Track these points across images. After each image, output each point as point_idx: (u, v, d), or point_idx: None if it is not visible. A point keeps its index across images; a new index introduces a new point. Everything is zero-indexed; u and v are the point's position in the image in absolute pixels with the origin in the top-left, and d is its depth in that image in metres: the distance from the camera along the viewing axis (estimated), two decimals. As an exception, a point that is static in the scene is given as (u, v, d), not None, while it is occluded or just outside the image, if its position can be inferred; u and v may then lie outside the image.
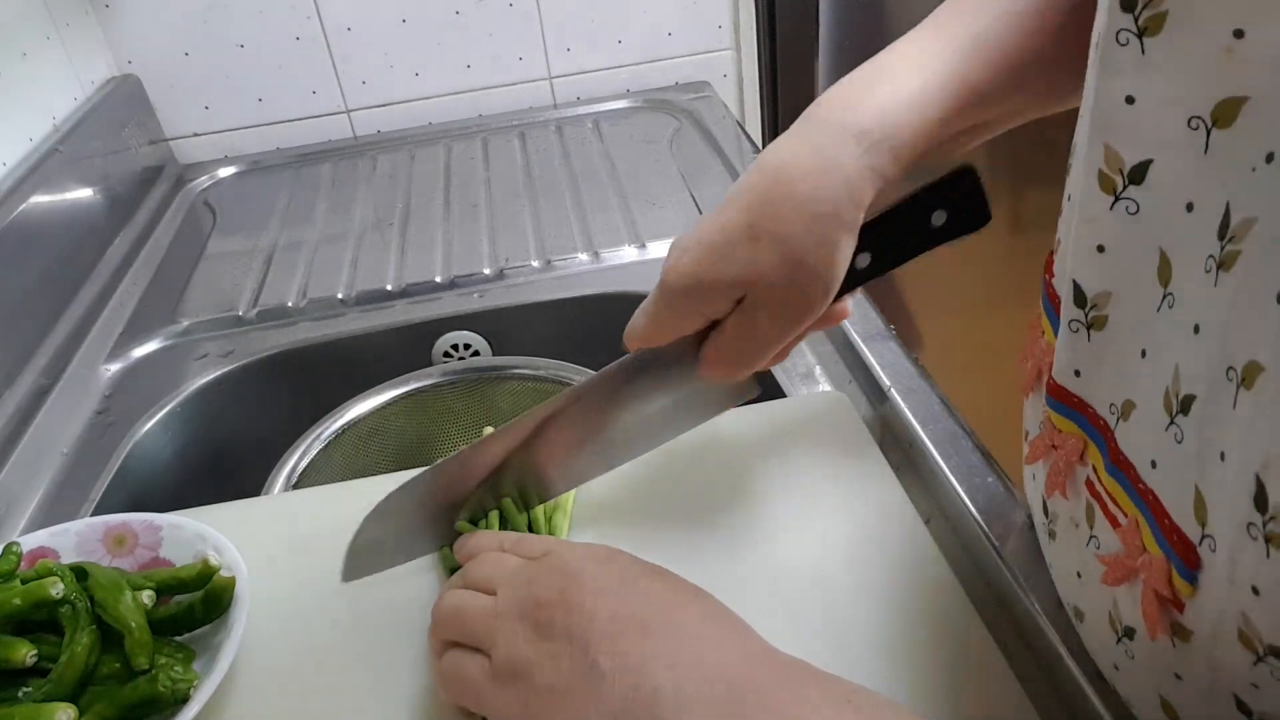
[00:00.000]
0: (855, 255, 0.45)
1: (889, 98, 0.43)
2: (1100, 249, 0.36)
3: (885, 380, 0.66)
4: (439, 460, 0.52)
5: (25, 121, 0.96)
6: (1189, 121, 0.30)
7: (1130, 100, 0.32)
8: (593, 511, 0.56)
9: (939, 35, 0.45)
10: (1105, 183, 0.34)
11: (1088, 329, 0.37)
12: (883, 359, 0.68)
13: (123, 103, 1.13)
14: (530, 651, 0.39)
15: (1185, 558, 0.31)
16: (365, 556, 0.51)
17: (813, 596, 0.50)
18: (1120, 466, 0.36)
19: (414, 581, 0.53)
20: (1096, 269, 0.36)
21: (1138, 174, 0.33)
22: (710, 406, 0.54)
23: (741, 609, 0.41)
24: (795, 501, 0.56)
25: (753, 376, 0.51)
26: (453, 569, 0.51)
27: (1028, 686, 0.45)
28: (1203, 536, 0.30)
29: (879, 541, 0.53)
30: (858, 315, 0.74)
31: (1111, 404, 0.36)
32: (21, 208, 0.86)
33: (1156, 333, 0.33)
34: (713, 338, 0.47)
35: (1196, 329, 0.30)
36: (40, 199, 0.90)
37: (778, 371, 0.72)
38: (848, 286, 0.47)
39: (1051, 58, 0.45)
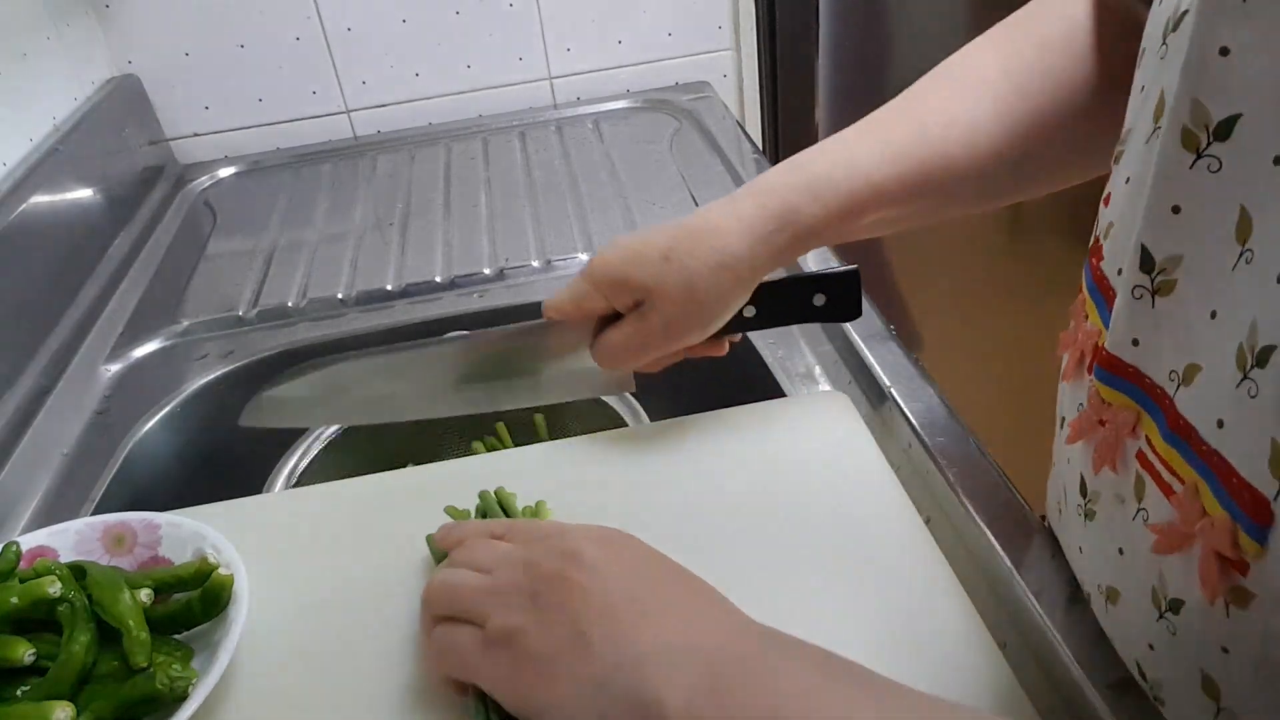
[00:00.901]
0: (745, 306, 0.56)
1: (802, 190, 0.52)
2: (1176, 210, 0.36)
3: (885, 380, 0.66)
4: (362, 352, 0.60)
5: (25, 121, 0.96)
6: None
7: (1224, 51, 0.32)
8: (592, 511, 0.56)
9: (862, 139, 0.54)
10: (1189, 140, 0.34)
11: (1153, 295, 0.37)
12: (883, 359, 0.68)
13: (123, 103, 1.13)
14: (524, 620, 0.41)
15: (1256, 514, 0.31)
16: (271, 409, 0.60)
17: (811, 596, 0.50)
18: (1179, 432, 0.36)
19: (414, 581, 0.53)
20: (1170, 231, 0.36)
21: (1224, 129, 0.33)
22: (591, 386, 0.62)
23: (739, 607, 0.41)
24: (795, 501, 0.56)
25: (630, 374, 0.60)
26: (443, 557, 0.51)
27: (1028, 686, 0.45)
28: (1278, 492, 0.30)
29: (879, 541, 0.53)
30: (858, 315, 0.73)
31: (1172, 371, 0.37)
32: (21, 208, 0.86)
33: (1230, 291, 0.33)
34: (608, 330, 0.57)
35: (1279, 279, 0.30)
36: (40, 199, 0.90)
37: (778, 371, 0.72)
38: (733, 328, 0.57)
39: (959, 170, 0.52)
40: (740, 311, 0.56)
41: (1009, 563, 0.51)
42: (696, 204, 0.98)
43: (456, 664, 0.43)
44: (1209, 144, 0.34)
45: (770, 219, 0.52)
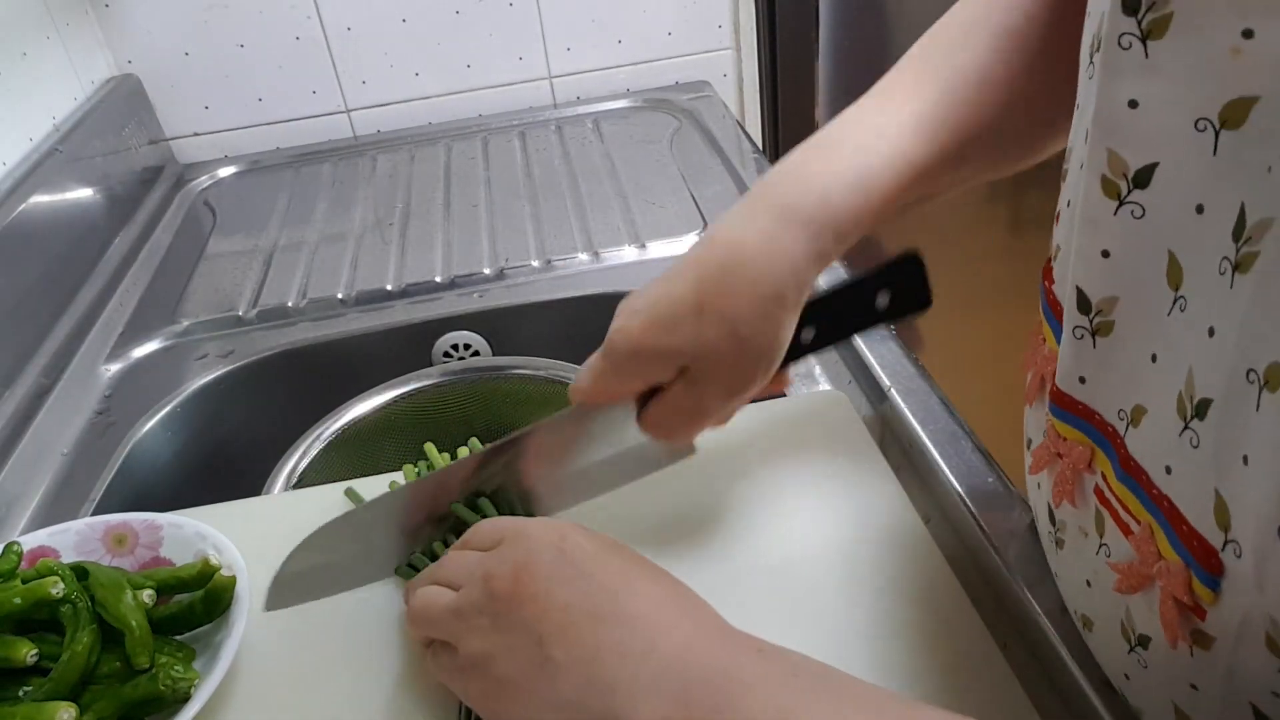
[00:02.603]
0: (801, 330, 0.47)
1: (834, 181, 0.45)
2: (1105, 254, 0.35)
3: (885, 380, 0.66)
4: (383, 493, 0.53)
5: (25, 121, 0.96)
6: (1196, 123, 0.30)
7: (1133, 104, 0.32)
8: (591, 510, 0.56)
9: (884, 109, 0.47)
10: (1109, 188, 0.34)
11: (1093, 335, 0.37)
12: (883, 359, 0.68)
13: (123, 103, 1.13)
14: (488, 645, 0.40)
15: (1206, 564, 0.31)
16: (294, 586, 0.52)
17: (812, 596, 0.50)
18: (1132, 473, 0.35)
19: (414, 581, 0.53)
20: (1101, 274, 0.36)
21: (1143, 178, 0.32)
22: (648, 463, 0.55)
23: (739, 608, 0.41)
24: (795, 501, 0.56)
25: (691, 441, 0.53)
26: (407, 569, 0.52)
27: (1027, 686, 0.45)
28: (1226, 542, 0.30)
29: (879, 541, 0.53)
30: (858, 315, 0.73)
31: (1120, 410, 0.36)
32: (21, 208, 0.86)
33: (1168, 336, 0.33)
34: (655, 402, 0.48)
35: (1211, 332, 0.30)
36: (40, 199, 0.90)
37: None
38: (792, 358, 0.48)
39: (996, 130, 0.47)
40: (797, 336, 0.47)
41: (1008, 563, 0.51)
42: (697, 204, 0.98)
43: (447, 682, 0.44)
44: (1129, 191, 0.33)
45: (804, 225, 0.44)
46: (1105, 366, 0.37)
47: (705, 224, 0.93)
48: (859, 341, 0.70)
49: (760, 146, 1.16)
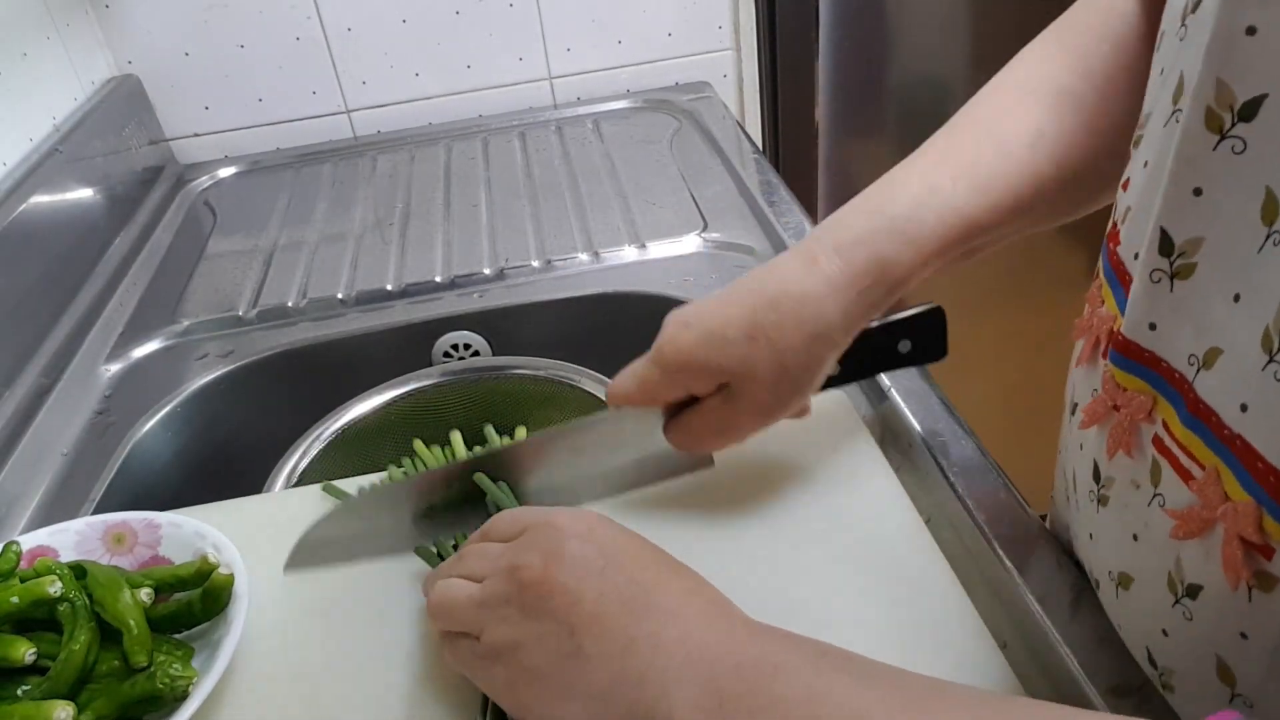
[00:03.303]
0: None
1: (892, 235, 0.47)
2: (1198, 192, 0.35)
3: (885, 380, 0.66)
4: (417, 473, 0.54)
5: (25, 121, 0.96)
6: None
7: (1251, 31, 0.32)
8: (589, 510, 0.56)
9: (939, 167, 0.49)
10: (1212, 121, 0.34)
11: (1171, 278, 0.37)
12: (883, 359, 0.68)
13: (123, 103, 1.13)
14: (517, 633, 0.40)
15: None
16: (316, 552, 0.53)
17: (811, 595, 0.50)
18: (1200, 416, 0.36)
19: (413, 580, 0.53)
20: (1190, 214, 0.36)
21: (1249, 110, 0.32)
22: (668, 470, 0.57)
23: (738, 606, 0.41)
24: (795, 501, 0.56)
25: (710, 453, 0.56)
26: (432, 557, 0.52)
27: (1027, 686, 0.45)
28: None
29: (879, 541, 0.53)
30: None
31: (1191, 355, 0.36)
32: (21, 208, 0.86)
33: (1256, 273, 0.33)
34: (690, 414, 0.51)
35: None
36: (40, 199, 0.90)
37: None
38: (818, 389, 0.52)
39: (1046, 188, 0.48)
40: None
41: (1009, 563, 0.51)
42: (697, 204, 0.97)
43: (466, 673, 0.44)
44: (1233, 125, 0.33)
45: (862, 275, 0.47)
46: (1179, 310, 0.37)
47: (705, 224, 0.93)
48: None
49: (760, 147, 1.16)
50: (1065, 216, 0.52)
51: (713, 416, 0.50)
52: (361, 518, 0.53)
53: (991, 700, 0.34)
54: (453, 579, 0.45)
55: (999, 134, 0.49)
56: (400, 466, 0.63)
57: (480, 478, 0.54)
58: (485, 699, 0.45)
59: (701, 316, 0.49)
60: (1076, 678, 0.45)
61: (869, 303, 0.48)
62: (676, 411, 0.52)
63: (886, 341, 0.53)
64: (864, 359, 0.53)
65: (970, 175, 0.48)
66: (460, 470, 0.54)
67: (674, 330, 0.49)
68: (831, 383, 0.53)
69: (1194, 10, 0.36)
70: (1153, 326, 0.39)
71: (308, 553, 0.52)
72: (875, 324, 0.52)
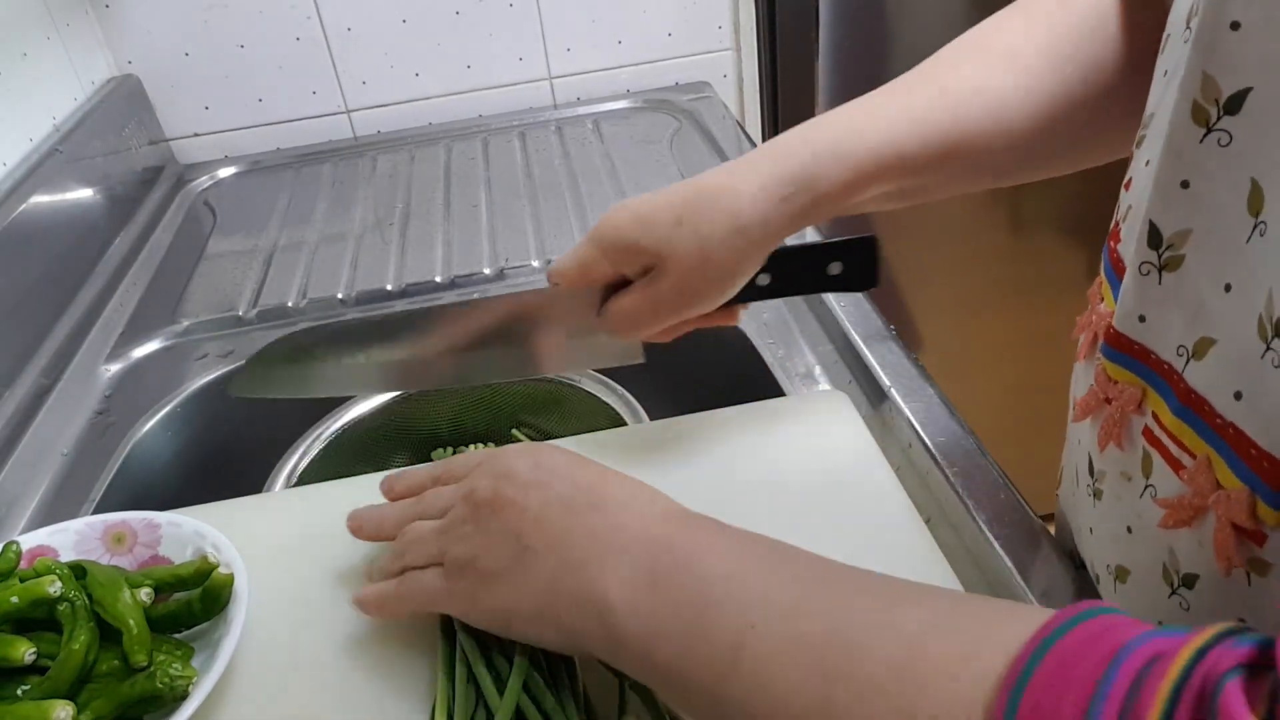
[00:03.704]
0: (758, 274, 0.53)
1: (822, 149, 0.50)
2: (1185, 184, 0.36)
3: (885, 380, 0.66)
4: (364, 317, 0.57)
5: (25, 121, 0.96)
6: None
7: (1236, 26, 0.33)
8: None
9: (884, 103, 0.51)
10: (1198, 114, 0.35)
11: (1160, 270, 0.38)
12: (883, 359, 0.68)
13: (123, 103, 1.13)
14: (473, 546, 0.44)
15: (1276, 484, 0.32)
16: (264, 378, 0.58)
17: (812, 595, 0.50)
18: (1191, 406, 0.36)
19: (413, 580, 0.53)
20: (1178, 206, 0.36)
21: (1234, 103, 0.33)
22: (598, 357, 0.60)
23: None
24: (795, 501, 0.56)
25: (639, 344, 0.58)
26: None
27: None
28: None
29: (879, 541, 0.53)
30: (858, 315, 0.74)
31: (1180, 346, 0.37)
32: (21, 208, 0.86)
33: (1245, 263, 0.33)
34: (621, 294, 0.54)
35: None
36: (40, 199, 0.90)
37: (777, 371, 0.72)
38: (745, 297, 0.54)
39: (985, 139, 0.50)
40: (754, 279, 0.54)
41: (1009, 563, 0.51)
42: (696, 204, 0.97)
43: (425, 602, 0.46)
44: (1219, 118, 0.34)
45: (788, 181, 0.49)
46: (1168, 302, 0.38)
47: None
48: (859, 342, 0.70)
49: (760, 147, 1.16)
50: (1000, 178, 0.54)
51: (639, 296, 0.53)
52: (312, 353, 0.58)
53: (896, 582, 0.36)
54: (417, 521, 0.48)
55: (946, 82, 0.51)
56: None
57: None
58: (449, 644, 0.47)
59: (636, 201, 0.52)
60: (1076, 677, 0.45)
61: (793, 210, 0.50)
62: (610, 297, 0.55)
63: (815, 260, 0.55)
64: (793, 274, 0.55)
65: (909, 111, 0.50)
66: (419, 330, 0.58)
67: (612, 212, 0.53)
68: (763, 293, 0.55)
69: (1198, 13, 0.36)
70: (1142, 319, 0.39)
71: (257, 378, 0.57)
72: (809, 242, 0.55)
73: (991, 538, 0.52)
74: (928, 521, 0.54)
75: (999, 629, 0.30)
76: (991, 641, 0.29)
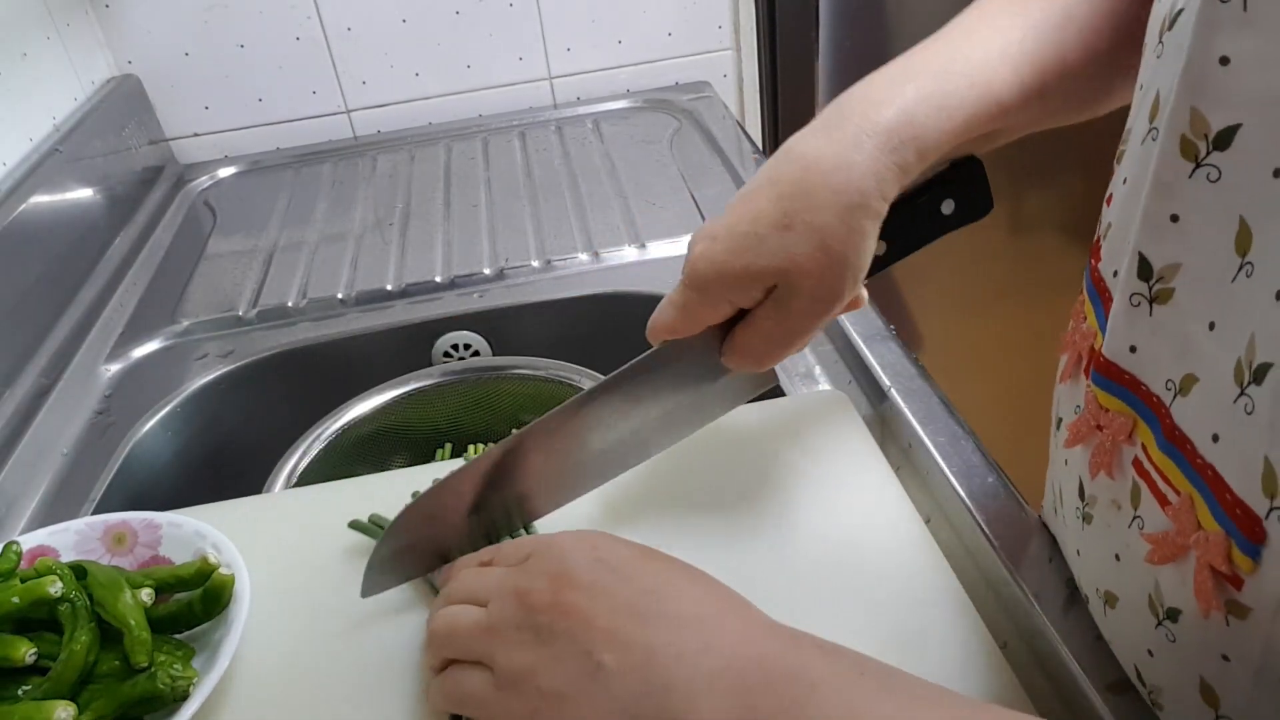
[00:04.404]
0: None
1: (915, 100, 0.44)
2: (1174, 218, 0.35)
3: (885, 380, 0.66)
4: (459, 466, 0.50)
5: (25, 121, 0.96)
6: None
7: (1225, 61, 0.32)
8: (590, 513, 0.56)
9: (969, 39, 0.47)
10: (1187, 149, 0.34)
11: (1150, 302, 0.37)
12: (883, 359, 0.68)
13: (123, 103, 1.13)
14: (532, 658, 0.39)
15: (1249, 532, 0.31)
16: (384, 571, 0.50)
17: (811, 596, 0.50)
18: (1176, 443, 0.35)
19: (414, 581, 0.53)
20: (1168, 240, 0.36)
21: (1223, 139, 0.32)
22: (730, 399, 0.54)
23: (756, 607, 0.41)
24: (795, 501, 0.56)
25: (772, 368, 0.52)
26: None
27: (1027, 686, 0.45)
28: (1270, 509, 0.30)
29: (879, 541, 0.53)
30: (858, 315, 0.73)
31: (1169, 380, 0.36)
32: (21, 208, 0.86)
33: (1230, 303, 0.33)
34: (743, 327, 0.47)
35: (1278, 296, 0.30)
36: (40, 199, 0.90)
37: (777, 371, 0.72)
38: (872, 272, 0.48)
39: (1075, 72, 0.47)
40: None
41: (1008, 563, 0.51)
42: (696, 204, 0.98)
43: (473, 708, 0.41)
44: (1208, 153, 0.33)
45: (891, 134, 0.44)
46: (1158, 335, 0.37)
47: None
48: (859, 341, 0.70)
49: (760, 147, 1.16)
50: (1089, 107, 0.51)
51: (767, 325, 0.46)
52: (417, 527, 0.50)
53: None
54: (454, 606, 0.43)
55: (1031, 12, 0.47)
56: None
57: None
58: None
59: (726, 222, 0.45)
60: (1076, 676, 0.45)
61: (900, 164, 0.44)
62: (727, 332, 0.48)
63: (928, 204, 0.49)
64: (909, 229, 0.49)
65: (1001, 51, 0.46)
66: (505, 456, 0.50)
67: (702, 246, 0.46)
68: (884, 262, 0.49)
69: (1170, 28, 0.36)
70: (1133, 349, 0.38)
71: (379, 573, 0.50)
72: (913, 188, 0.48)
73: (991, 537, 0.52)
74: (928, 521, 0.55)
75: None
76: None
